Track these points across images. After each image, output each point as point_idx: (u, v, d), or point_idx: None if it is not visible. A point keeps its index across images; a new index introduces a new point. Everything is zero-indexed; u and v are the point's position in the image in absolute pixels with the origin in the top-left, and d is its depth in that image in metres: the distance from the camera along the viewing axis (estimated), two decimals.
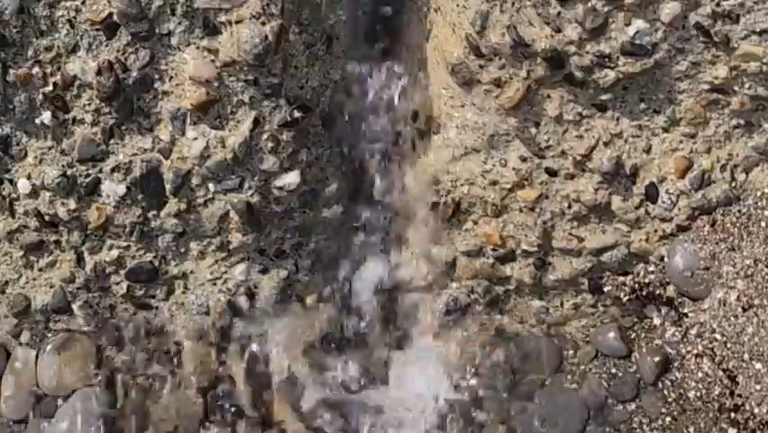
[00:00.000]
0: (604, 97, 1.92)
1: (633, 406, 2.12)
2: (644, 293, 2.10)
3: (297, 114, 1.99)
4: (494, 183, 2.04)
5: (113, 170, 2.01)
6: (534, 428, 2.15)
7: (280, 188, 2.06)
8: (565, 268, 2.11)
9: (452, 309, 2.19)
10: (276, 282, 2.18)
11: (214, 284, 2.17)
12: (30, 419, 2.20)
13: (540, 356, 2.18)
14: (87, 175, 2.02)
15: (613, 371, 2.14)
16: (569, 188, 2.02)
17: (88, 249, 2.11)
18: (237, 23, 1.88)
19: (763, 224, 1.96)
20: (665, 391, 2.08)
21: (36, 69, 1.91)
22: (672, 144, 1.98)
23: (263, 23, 1.88)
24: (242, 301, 2.18)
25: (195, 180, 2.03)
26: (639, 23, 1.83)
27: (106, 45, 1.90)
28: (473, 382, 2.18)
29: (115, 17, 1.87)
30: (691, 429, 2.03)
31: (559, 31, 1.84)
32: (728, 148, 1.97)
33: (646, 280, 2.09)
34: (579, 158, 1.99)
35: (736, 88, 1.89)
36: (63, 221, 2.06)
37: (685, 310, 2.06)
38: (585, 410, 2.14)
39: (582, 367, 2.17)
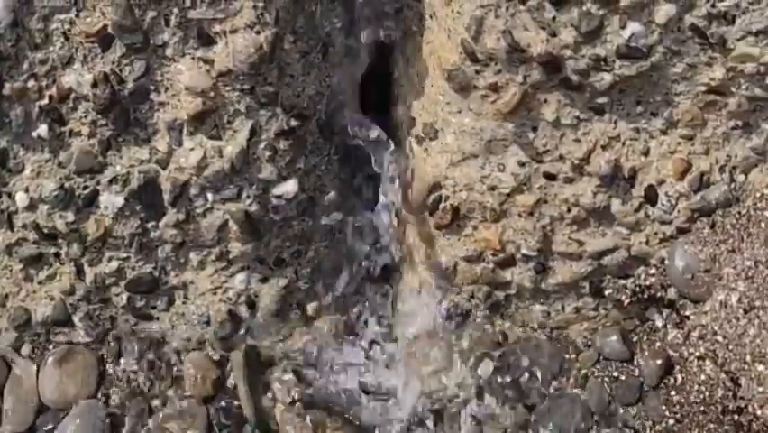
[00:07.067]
0: (601, 101, 1.92)
1: (636, 409, 2.12)
2: (645, 296, 2.10)
3: (293, 122, 1.99)
4: (492, 188, 2.03)
5: (110, 182, 2.01)
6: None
7: (279, 197, 2.06)
8: (566, 272, 2.10)
9: (452, 315, 2.18)
10: (276, 291, 2.17)
11: (215, 294, 2.17)
12: (32, 431, 2.20)
13: (542, 361, 2.17)
14: (85, 187, 2.02)
15: (615, 374, 2.14)
16: (568, 192, 2.02)
17: (88, 261, 2.11)
18: (232, 32, 1.88)
19: (762, 225, 1.95)
20: (668, 394, 2.07)
21: (31, 83, 1.91)
22: (670, 146, 1.97)
23: (258, 32, 1.88)
24: (243, 310, 2.18)
25: (193, 191, 2.03)
26: (634, 26, 1.82)
27: (101, 57, 1.90)
28: (475, 387, 2.17)
29: (110, 29, 1.87)
30: (695, 432, 2.02)
31: (554, 35, 1.84)
32: (727, 149, 1.97)
33: (647, 283, 2.08)
34: (577, 162, 1.98)
35: (733, 89, 1.89)
36: (62, 233, 2.06)
37: (687, 313, 2.05)
38: (588, 414, 2.13)
39: (584, 371, 2.16)
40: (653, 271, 2.08)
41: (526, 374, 2.18)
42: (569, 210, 2.03)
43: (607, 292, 2.12)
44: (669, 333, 2.08)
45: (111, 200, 2.03)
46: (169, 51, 1.90)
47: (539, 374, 2.17)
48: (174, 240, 2.08)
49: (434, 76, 2.00)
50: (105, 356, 2.22)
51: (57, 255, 2.11)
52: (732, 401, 1.96)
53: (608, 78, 1.87)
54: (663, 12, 1.80)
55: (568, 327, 2.18)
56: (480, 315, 2.18)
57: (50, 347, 2.21)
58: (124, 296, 2.15)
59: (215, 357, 2.21)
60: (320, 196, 2.11)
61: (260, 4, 1.86)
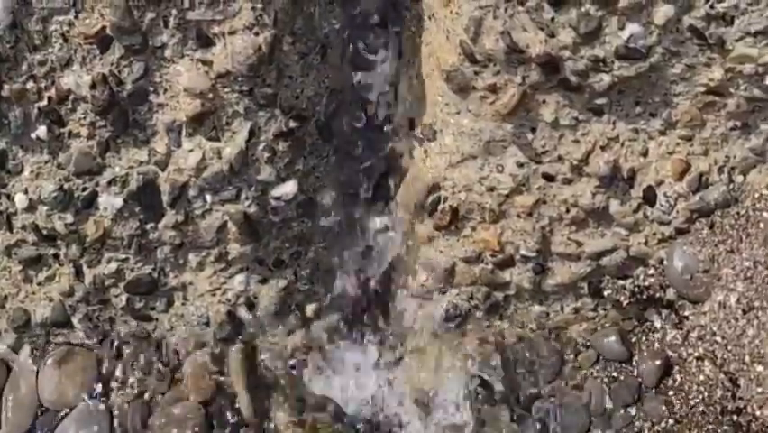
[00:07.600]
0: (600, 102, 1.92)
1: (635, 410, 2.12)
2: (644, 296, 2.10)
3: (292, 123, 1.99)
4: (491, 189, 2.03)
5: (109, 183, 2.01)
6: None
7: (277, 198, 2.06)
8: (564, 273, 2.10)
9: (452, 316, 2.18)
10: (275, 292, 2.17)
11: (214, 295, 2.17)
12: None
13: (541, 361, 2.17)
14: (84, 188, 2.02)
15: (614, 375, 2.14)
16: (566, 192, 2.02)
17: (87, 262, 2.11)
18: (230, 34, 1.88)
19: (761, 225, 1.95)
20: (667, 395, 2.07)
21: (30, 84, 1.91)
22: (669, 147, 1.97)
23: (256, 34, 1.88)
24: (242, 312, 2.18)
25: (192, 192, 2.03)
26: (633, 27, 1.82)
27: (100, 59, 1.90)
28: (473, 388, 2.17)
29: (108, 31, 1.87)
30: (694, 432, 2.02)
31: (553, 36, 1.84)
32: (725, 150, 1.97)
33: (646, 284, 2.08)
34: (576, 162, 1.98)
35: (731, 90, 1.89)
36: (61, 235, 2.06)
37: (685, 313, 2.05)
38: (587, 415, 2.14)
39: (584, 372, 2.16)
40: (651, 271, 2.08)
41: (526, 375, 2.18)
42: (568, 211, 2.03)
43: (606, 293, 2.12)
44: (668, 333, 2.08)
45: (110, 201, 2.03)
46: (167, 53, 1.90)
47: (538, 375, 2.17)
48: (173, 241, 2.08)
49: (432, 77, 2.00)
50: (105, 357, 2.22)
51: (56, 256, 2.11)
52: (731, 402, 1.96)
53: (606, 78, 1.87)
54: (662, 13, 1.80)
55: (567, 328, 2.18)
56: (480, 316, 2.18)
57: (50, 348, 2.21)
58: (123, 297, 2.15)
59: (215, 358, 2.21)
60: (319, 197, 2.11)
61: (259, 6, 1.86)
